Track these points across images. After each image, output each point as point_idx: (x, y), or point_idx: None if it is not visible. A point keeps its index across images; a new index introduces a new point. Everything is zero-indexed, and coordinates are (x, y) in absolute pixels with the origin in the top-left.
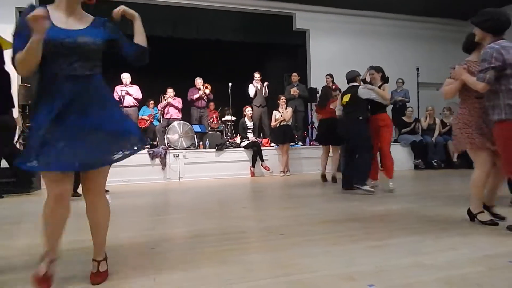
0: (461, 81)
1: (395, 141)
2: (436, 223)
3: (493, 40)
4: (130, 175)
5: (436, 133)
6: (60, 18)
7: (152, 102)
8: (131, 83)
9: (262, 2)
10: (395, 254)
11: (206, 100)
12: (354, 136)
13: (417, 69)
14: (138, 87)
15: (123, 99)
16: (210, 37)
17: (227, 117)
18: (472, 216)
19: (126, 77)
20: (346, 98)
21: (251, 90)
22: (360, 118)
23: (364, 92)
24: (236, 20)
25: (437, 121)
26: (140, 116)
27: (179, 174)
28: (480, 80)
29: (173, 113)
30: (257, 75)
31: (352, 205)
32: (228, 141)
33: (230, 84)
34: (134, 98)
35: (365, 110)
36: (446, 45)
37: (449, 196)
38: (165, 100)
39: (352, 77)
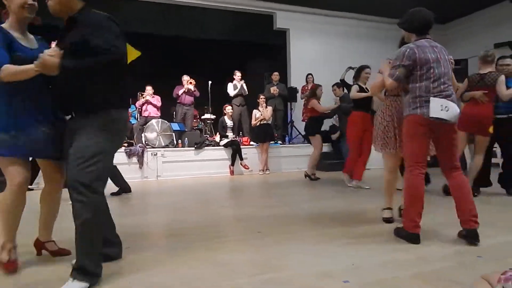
0: (382, 81)
1: None
2: None
3: (417, 39)
4: None
5: None
6: (18, 37)
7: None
8: None
9: (243, 0)
10: (370, 251)
11: (192, 96)
12: None
13: None
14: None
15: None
16: (190, 35)
17: (207, 116)
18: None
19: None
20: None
21: (231, 89)
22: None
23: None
24: (216, 19)
25: None
26: None
27: (157, 173)
28: (389, 77)
29: (151, 111)
30: (238, 74)
31: (330, 203)
32: (207, 139)
33: (210, 82)
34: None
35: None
36: None
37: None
38: (143, 97)
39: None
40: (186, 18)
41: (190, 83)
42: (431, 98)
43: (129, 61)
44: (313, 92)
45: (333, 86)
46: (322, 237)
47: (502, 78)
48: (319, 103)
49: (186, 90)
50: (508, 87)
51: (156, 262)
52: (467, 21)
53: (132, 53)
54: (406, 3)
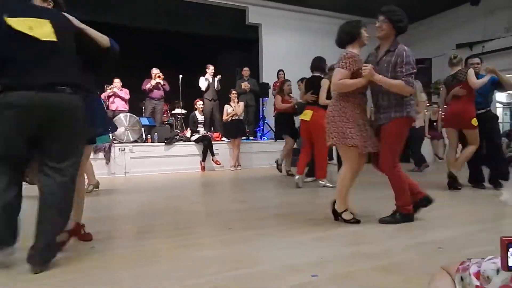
0: (368, 81)
1: None
2: (374, 214)
3: (394, 40)
4: None
5: None
6: None
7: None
8: None
9: None
10: (338, 244)
11: (162, 90)
12: None
13: None
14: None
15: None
16: (160, 27)
17: (177, 110)
18: (337, 215)
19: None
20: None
21: (203, 83)
22: None
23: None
24: (188, 11)
25: None
26: None
27: (124, 169)
28: (410, 85)
29: (119, 104)
30: (211, 68)
31: (300, 198)
32: (178, 135)
33: (180, 76)
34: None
35: None
36: None
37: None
38: (110, 90)
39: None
40: (157, 9)
41: (159, 76)
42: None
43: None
44: (280, 88)
45: (298, 81)
46: (291, 231)
47: (471, 71)
48: (289, 98)
49: (154, 84)
50: None
51: (124, 261)
52: (430, 22)
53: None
54: (377, 2)
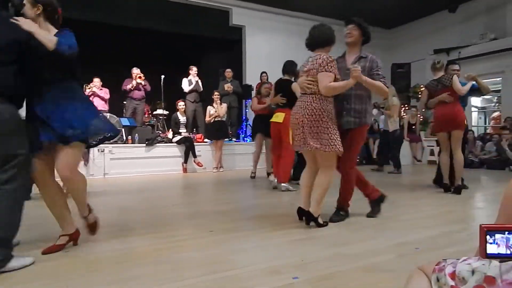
0: (351, 83)
1: None
2: (356, 216)
3: (361, 48)
4: None
5: None
6: None
7: None
8: None
9: None
10: (318, 246)
11: (143, 90)
12: None
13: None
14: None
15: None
16: (143, 26)
17: (159, 111)
18: (312, 219)
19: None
20: None
21: (186, 84)
22: None
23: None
24: (171, 10)
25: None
26: None
27: (104, 170)
28: (387, 86)
29: (98, 104)
30: (194, 69)
31: (282, 200)
32: (159, 136)
33: (162, 76)
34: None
35: None
36: (369, 50)
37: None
38: (89, 89)
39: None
40: (140, 8)
41: (139, 77)
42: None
43: None
44: (258, 90)
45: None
46: (272, 233)
47: (455, 77)
48: (263, 100)
49: (134, 85)
50: None
51: (98, 264)
52: (409, 28)
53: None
54: (358, 8)
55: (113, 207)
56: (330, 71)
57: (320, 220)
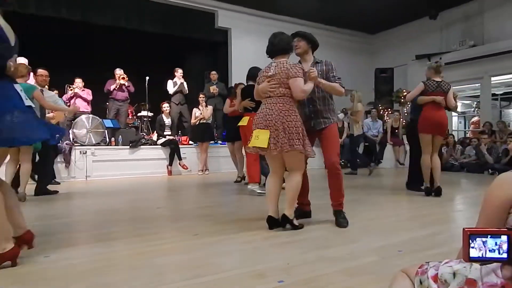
0: (312, 85)
1: None
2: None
3: (312, 54)
4: None
5: (344, 135)
6: None
7: (56, 92)
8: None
9: None
10: (302, 249)
11: (126, 92)
12: None
13: None
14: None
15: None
16: (128, 26)
17: (143, 113)
18: (287, 222)
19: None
20: None
21: (171, 86)
22: None
23: None
24: (156, 12)
25: (345, 124)
26: None
27: (86, 173)
28: (343, 86)
29: (81, 105)
30: (179, 71)
31: (265, 203)
32: (143, 138)
33: (147, 78)
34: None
35: None
36: (353, 55)
37: (353, 193)
38: (71, 90)
39: None
40: (125, 7)
41: (123, 78)
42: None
43: None
44: (233, 91)
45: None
46: (256, 237)
47: (452, 89)
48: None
49: (117, 86)
50: None
51: (77, 269)
52: (393, 33)
53: None
54: (343, 12)
55: (93, 210)
56: (301, 76)
57: (296, 222)
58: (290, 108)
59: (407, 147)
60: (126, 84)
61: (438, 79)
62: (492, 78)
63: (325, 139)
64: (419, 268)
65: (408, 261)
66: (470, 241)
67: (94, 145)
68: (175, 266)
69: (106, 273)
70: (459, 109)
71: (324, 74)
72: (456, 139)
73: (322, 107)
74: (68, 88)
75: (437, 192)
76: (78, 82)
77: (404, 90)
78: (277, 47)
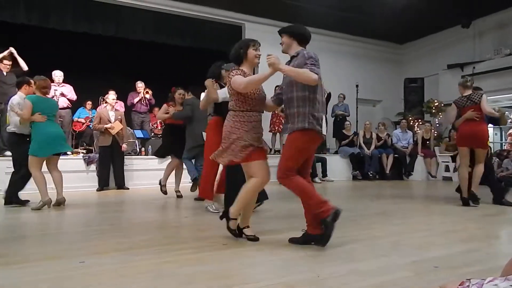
0: (274, 71)
1: (336, 152)
2: (369, 231)
3: (297, 48)
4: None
5: (372, 146)
6: None
7: (89, 103)
8: (64, 81)
9: (212, 10)
10: (332, 262)
11: (147, 105)
12: None
13: (357, 85)
14: (71, 87)
15: (57, 100)
16: (156, 40)
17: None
18: (225, 217)
19: (58, 75)
20: None
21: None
22: None
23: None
24: (183, 25)
25: (374, 135)
26: (75, 119)
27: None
28: (314, 72)
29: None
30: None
31: (296, 214)
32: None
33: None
34: (68, 99)
35: None
36: (381, 65)
37: (384, 205)
38: (105, 102)
39: None
40: (154, 23)
41: (147, 92)
42: (323, 116)
43: None
44: (171, 96)
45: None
46: (286, 247)
47: (485, 96)
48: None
49: (141, 99)
50: None
51: (110, 278)
52: (422, 43)
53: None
54: (371, 22)
55: (124, 219)
56: (233, 75)
57: (249, 232)
58: (229, 120)
59: (439, 159)
60: (149, 97)
61: (468, 93)
62: None
63: (284, 146)
64: (459, 285)
65: (444, 278)
66: None
67: (125, 155)
68: (203, 276)
69: (131, 281)
70: None
71: (302, 66)
72: (492, 151)
73: (288, 110)
74: (102, 100)
75: (473, 199)
76: (112, 94)
77: (436, 101)
78: (231, 58)
